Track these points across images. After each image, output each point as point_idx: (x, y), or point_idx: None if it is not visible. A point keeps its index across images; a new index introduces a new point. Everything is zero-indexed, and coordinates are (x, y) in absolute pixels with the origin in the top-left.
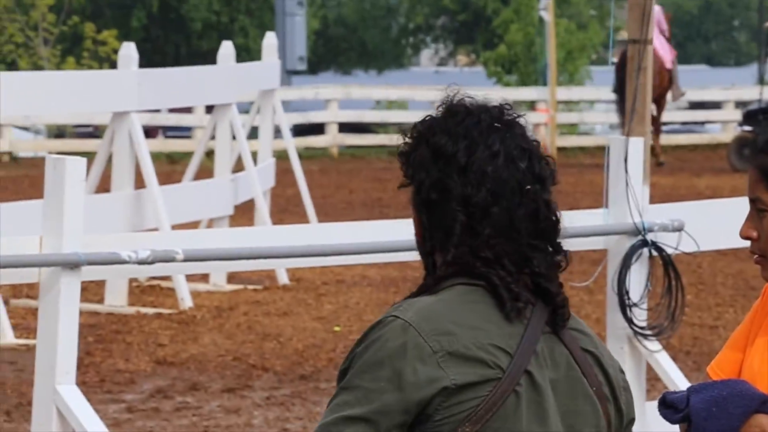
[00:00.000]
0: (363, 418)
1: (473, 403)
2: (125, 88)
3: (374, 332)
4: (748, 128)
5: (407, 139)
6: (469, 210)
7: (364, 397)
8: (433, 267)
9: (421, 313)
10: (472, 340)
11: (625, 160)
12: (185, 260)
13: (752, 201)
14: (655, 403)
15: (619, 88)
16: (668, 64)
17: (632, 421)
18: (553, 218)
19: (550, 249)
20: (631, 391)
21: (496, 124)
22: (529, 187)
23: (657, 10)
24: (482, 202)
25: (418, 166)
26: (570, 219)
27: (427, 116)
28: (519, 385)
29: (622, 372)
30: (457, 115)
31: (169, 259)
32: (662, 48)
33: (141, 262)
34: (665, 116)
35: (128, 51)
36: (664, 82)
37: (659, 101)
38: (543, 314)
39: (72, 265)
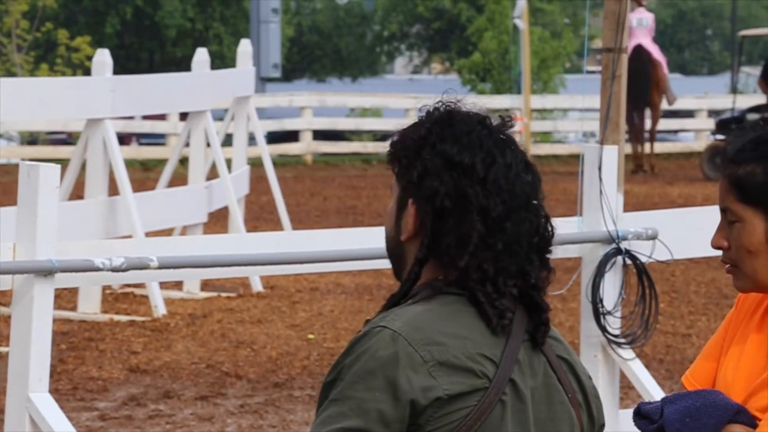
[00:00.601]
0: (359, 429)
1: (463, 413)
2: (99, 94)
3: (362, 343)
4: (720, 137)
5: (402, 142)
6: (487, 222)
7: (358, 408)
8: (416, 275)
9: (410, 323)
10: (461, 350)
11: (599, 168)
12: (159, 267)
13: (722, 210)
14: (628, 411)
15: None
16: (665, 69)
17: (602, 427)
18: (550, 232)
19: (543, 263)
20: (600, 398)
21: (502, 136)
22: (535, 201)
23: (650, 18)
24: (498, 216)
25: (428, 173)
26: None
27: (423, 121)
28: (504, 394)
29: (590, 379)
30: (463, 124)
31: (143, 267)
32: (658, 53)
33: (115, 270)
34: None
35: (102, 57)
36: (662, 86)
37: (657, 106)
38: (523, 321)
39: (45, 272)
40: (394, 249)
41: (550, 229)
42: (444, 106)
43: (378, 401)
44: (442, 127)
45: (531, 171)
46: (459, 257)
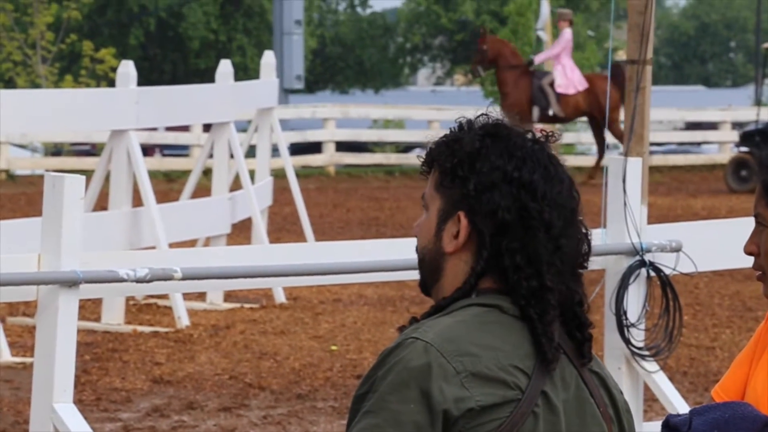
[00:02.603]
0: None
1: (494, 425)
2: (124, 106)
3: (395, 354)
4: (744, 149)
5: (449, 152)
6: (549, 239)
7: (393, 420)
8: (472, 286)
9: (443, 334)
10: (493, 361)
11: (624, 180)
12: (183, 279)
13: (755, 216)
14: (652, 424)
15: None
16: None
17: None
18: (589, 248)
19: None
20: (631, 412)
21: (551, 152)
22: (581, 217)
23: (565, 34)
24: (557, 233)
25: (487, 187)
26: None
27: (470, 132)
28: (537, 406)
29: (622, 393)
30: (515, 137)
31: (168, 278)
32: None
33: (139, 281)
34: (663, 137)
35: (127, 69)
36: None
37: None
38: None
39: (70, 283)
40: (433, 261)
41: (589, 244)
42: (488, 118)
43: (413, 413)
44: (494, 140)
45: (575, 186)
46: (529, 276)
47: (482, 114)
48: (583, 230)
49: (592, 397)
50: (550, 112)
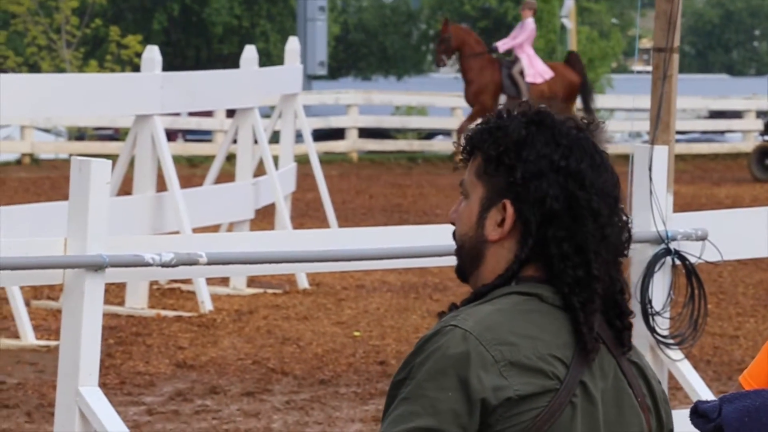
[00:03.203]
0: (432, 429)
1: (532, 414)
2: (149, 91)
3: (433, 341)
4: None
5: (491, 140)
6: (597, 228)
7: (431, 407)
8: (515, 273)
9: (482, 322)
10: (532, 350)
11: (650, 169)
12: (208, 263)
13: None
14: (676, 412)
15: None
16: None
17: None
18: (630, 236)
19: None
20: (669, 403)
21: (595, 140)
22: (622, 205)
23: (529, 24)
24: (604, 222)
25: (535, 175)
26: None
27: (513, 120)
28: (575, 396)
29: (660, 383)
30: (560, 125)
31: (193, 263)
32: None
33: (164, 265)
34: (686, 125)
35: (152, 54)
36: (577, 88)
37: (588, 103)
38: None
39: (96, 266)
40: (474, 248)
41: (629, 232)
42: (530, 107)
43: (451, 401)
44: (539, 128)
45: (616, 175)
46: (576, 264)
47: (524, 102)
48: (624, 218)
49: (630, 387)
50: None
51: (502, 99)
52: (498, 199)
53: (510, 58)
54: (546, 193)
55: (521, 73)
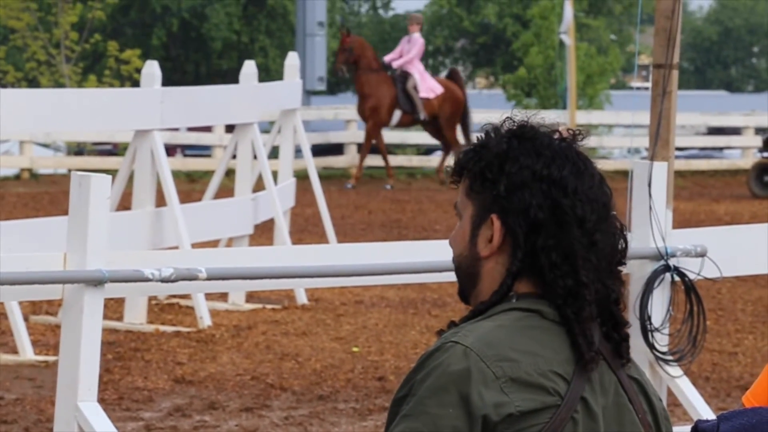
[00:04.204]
0: None
1: (534, 430)
2: (148, 106)
3: (434, 358)
4: None
5: (477, 157)
6: (583, 235)
7: (432, 424)
8: (509, 287)
9: (482, 338)
10: (533, 367)
11: (649, 185)
12: (208, 279)
13: None
14: (675, 429)
15: None
16: (439, 91)
17: None
18: (625, 244)
19: (617, 275)
20: (670, 420)
21: (579, 149)
22: (614, 212)
23: (418, 39)
24: (591, 228)
25: (517, 186)
26: None
27: (496, 136)
28: (576, 412)
29: (661, 401)
30: (541, 137)
31: (192, 278)
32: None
33: (164, 280)
34: (685, 141)
35: (151, 69)
36: (462, 105)
37: (466, 125)
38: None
39: (96, 282)
40: (469, 267)
41: (625, 240)
42: (512, 121)
43: (452, 417)
44: (520, 140)
45: (605, 182)
46: (565, 273)
47: (507, 118)
48: (618, 225)
49: (630, 404)
50: (421, 116)
51: (397, 114)
52: (486, 215)
53: (396, 72)
54: (530, 203)
55: (415, 88)
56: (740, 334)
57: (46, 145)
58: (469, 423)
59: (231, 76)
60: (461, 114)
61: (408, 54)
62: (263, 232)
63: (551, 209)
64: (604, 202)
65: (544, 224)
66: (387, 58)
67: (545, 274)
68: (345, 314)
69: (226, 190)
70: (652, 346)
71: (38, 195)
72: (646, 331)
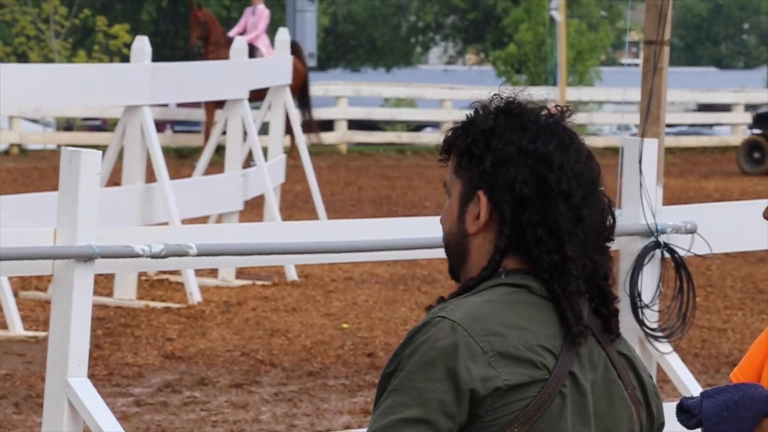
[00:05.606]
0: (421, 419)
1: (522, 404)
2: (138, 81)
3: (421, 333)
4: (757, 131)
5: (464, 134)
6: (569, 210)
7: (419, 398)
8: (497, 263)
9: (470, 313)
10: (520, 341)
11: (640, 161)
12: (198, 255)
13: None
14: (665, 404)
15: None
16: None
17: (662, 425)
18: (613, 220)
19: (605, 251)
20: (660, 397)
21: (566, 124)
22: (603, 187)
23: (264, 10)
24: (578, 203)
25: (503, 162)
26: None
27: (484, 112)
28: (564, 387)
29: (651, 377)
30: (528, 113)
31: (183, 254)
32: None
33: (154, 256)
34: (675, 118)
35: (141, 45)
36: (302, 79)
37: (304, 99)
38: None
39: (86, 257)
40: (458, 244)
41: (613, 216)
42: (499, 98)
43: (439, 391)
44: (507, 116)
45: (593, 158)
46: (551, 248)
47: (495, 95)
48: (606, 201)
49: (620, 380)
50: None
51: None
52: (473, 192)
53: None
54: (515, 178)
55: None
56: (729, 310)
57: (35, 121)
58: (456, 397)
59: None
60: (299, 87)
61: (255, 29)
62: (253, 209)
63: (537, 184)
64: (591, 178)
65: (530, 199)
66: (232, 33)
67: (531, 249)
68: (335, 290)
69: (215, 166)
70: (642, 323)
71: (27, 170)
72: (636, 307)
